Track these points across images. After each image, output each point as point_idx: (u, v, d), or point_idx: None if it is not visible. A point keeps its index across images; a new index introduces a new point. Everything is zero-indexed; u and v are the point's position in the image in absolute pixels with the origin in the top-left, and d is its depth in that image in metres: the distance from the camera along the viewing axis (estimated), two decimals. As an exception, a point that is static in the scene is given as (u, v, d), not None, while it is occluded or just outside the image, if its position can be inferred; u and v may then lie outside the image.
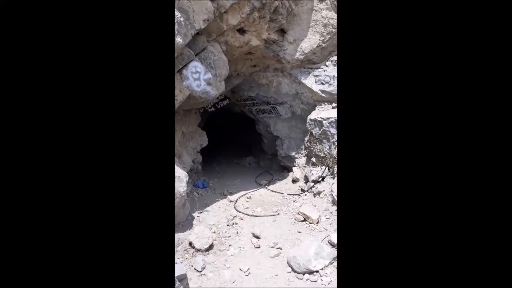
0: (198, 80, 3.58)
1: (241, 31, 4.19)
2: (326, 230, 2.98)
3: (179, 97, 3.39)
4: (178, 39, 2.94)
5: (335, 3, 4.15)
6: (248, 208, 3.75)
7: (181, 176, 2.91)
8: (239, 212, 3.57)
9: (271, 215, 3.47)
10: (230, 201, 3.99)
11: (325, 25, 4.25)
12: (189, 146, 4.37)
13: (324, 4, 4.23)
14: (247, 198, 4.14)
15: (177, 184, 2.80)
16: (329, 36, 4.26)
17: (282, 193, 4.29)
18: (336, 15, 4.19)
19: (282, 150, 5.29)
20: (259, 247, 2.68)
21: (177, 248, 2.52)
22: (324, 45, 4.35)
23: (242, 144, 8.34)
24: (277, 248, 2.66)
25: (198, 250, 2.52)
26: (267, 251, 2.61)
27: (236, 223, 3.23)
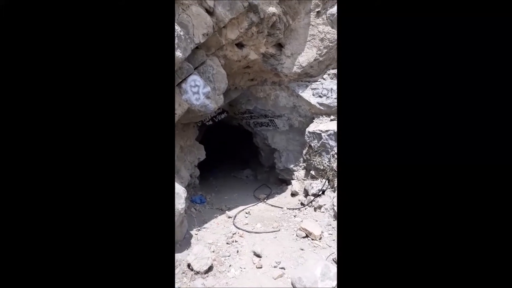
0: (197, 93, 3.54)
1: (240, 45, 4.21)
2: (330, 246, 2.87)
3: (178, 110, 3.32)
4: (178, 53, 2.91)
5: (331, 18, 4.23)
6: (247, 224, 3.62)
7: (179, 192, 2.79)
8: (239, 228, 3.43)
9: (271, 232, 3.34)
10: (229, 217, 3.86)
11: (322, 40, 4.30)
12: (187, 161, 4.26)
13: (320, 19, 4.30)
14: (246, 213, 4.01)
15: (175, 201, 2.67)
16: (326, 50, 4.30)
17: (281, 208, 4.18)
18: (332, 29, 4.25)
19: (280, 163, 5.21)
20: (261, 267, 2.54)
21: (175, 271, 2.37)
22: (321, 58, 4.39)
23: (239, 157, 8.25)
24: (280, 267, 2.53)
25: (197, 273, 2.37)
26: (270, 272, 2.47)
27: (235, 241, 3.09)
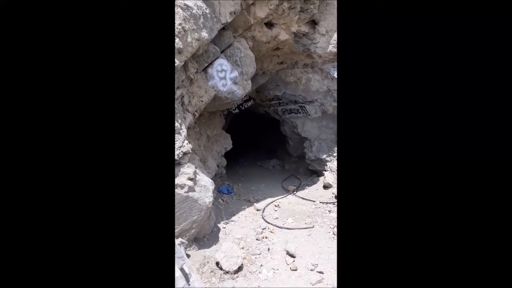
0: (224, 79, 3.26)
1: (269, 24, 3.81)
2: (372, 249, 2.53)
3: (205, 98, 3.09)
4: (204, 34, 2.63)
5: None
6: (277, 218, 3.37)
7: (206, 184, 2.59)
8: (269, 223, 3.20)
9: (305, 228, 3.06)
10: (257, 210, 3.64)
11: (363, 14, 3.74)
12: (214, 150, 4.08)
13: (361, -10, 3.73)
14: (275, 206, 3.76)
15: (202, 194, 2.48)
16: (367, 26, 3.75)
17: (314, 201, 3.86)
18: None
19: (311, 152, 4.84)
20: (296, 270, 2.29)
21: (203, 269, 2.21)
22: (361, 36, 3.85)
23: (265, 146, 7.98)
24: (317, 271, 2.25)
25: (227, 272, 2.18)
26: (307, 276, 2.21)
27: (266, 237, 2.86)
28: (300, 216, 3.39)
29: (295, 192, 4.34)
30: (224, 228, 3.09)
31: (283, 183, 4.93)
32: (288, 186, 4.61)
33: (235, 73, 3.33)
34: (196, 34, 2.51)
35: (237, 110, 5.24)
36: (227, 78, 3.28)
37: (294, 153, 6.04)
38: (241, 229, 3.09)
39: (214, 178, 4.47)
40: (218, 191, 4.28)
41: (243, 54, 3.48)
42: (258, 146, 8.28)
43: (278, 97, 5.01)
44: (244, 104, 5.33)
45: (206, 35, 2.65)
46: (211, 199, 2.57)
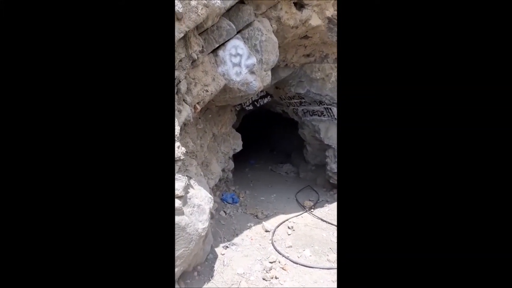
0: (238, 66, 2.54)
1: (299, 5, 3.04)
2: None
3: (211, 87, 2.37)
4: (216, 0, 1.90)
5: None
6: (291, 247, 2.62)
7: (202, 204, 1.89)
8: (280, 254, 2.46)
9: (328, 268, 2.30)
10: (266, 231, 2.91)
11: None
12: (220, 152, 3.37)
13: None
14: (289, 228, 3.02)
15: (194, 218, 1.78)
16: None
17: (336, 226, 3.08)
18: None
19: (335, 163, 4.04)
20: None
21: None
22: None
23: (280, 148, 7.21)
24: None
25: None
26: None
27: (276, 277, 2.13)
28: (321, 248, 2.62)
29: (312, 210, 3.57)
30: (223, 255, 2.39)
31: (298, 195, 4.17)
32: (304, 201, 3.85)
33: (253, 60, 2.59)
34: (204, -3, 1.79)
35: (251, 107, 4.51)
36: (242, 65, 2.55)
37: (311, 161, 5.26)
38: (244, 258, 2.37)
39: (218, 184, 3.79)
40: (221, 199, 3.58)
41: (264, 38, 2.74)
42: (272, 148, 7.52)
43: (300, 95, 4.23)
44: (260, 100, 4.59)
45: (219, 1, 1.92)
46: (206, 224, 1.86)
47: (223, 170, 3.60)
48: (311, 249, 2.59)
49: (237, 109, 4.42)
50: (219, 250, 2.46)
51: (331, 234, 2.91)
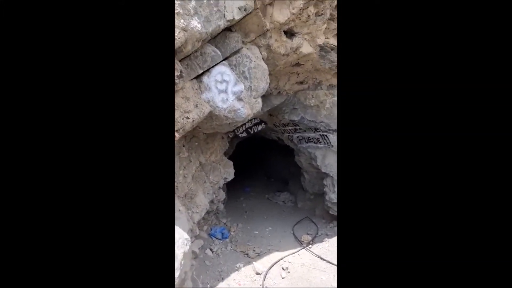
0: (224, 92, 2.41)
1: (290, 33, 3.01)
2: None
3: (193, 114, 2.21)
4: (195, 23, 1.81)
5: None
6: (284, 295, 2.24)
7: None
8: (270, 305, 2.08)
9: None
10: (257, 274, 2.54)
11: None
12: (208, 182, 3.12)
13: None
14: (283, 269, 2.65)
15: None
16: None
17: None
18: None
19: (333, 193, 3.75)
20: None
21: None
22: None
23: (277, 176, 6.93)
24: None
25: None
26: None
27: (263, 338, 1.74)
28: (318, 295, 2.25)
29: (310, 246, 3.20)
30: (203, 307, 2.02)
31: (295, 228, 3.82)
32: (302, 236, 3.49)
33: (240, 87, 2.46)
34: (183, 21, 1.69)
35: (245, 134, 4.35)
36: (229, 92, 2.41)
37: (310, 189, 4.95)
38: (227, 311, 2.00)
39: (206, 217, 3.47)
40: (209, 235, 3.24)
41: (253, 65, 2.65)
42: (269, 175, 7.24)
43: (295, 122, 4.09)
44: (253, 127, 4.44)
45: (199, 25, 1.83)
46: (177, 274, 1.55)
47: (211, 202, 3.31)
48: (307, 298, 2.21)
49: (230, 136, 4.26)
50: (199, 300, 2.09)
51: (332, 278, 2.53)
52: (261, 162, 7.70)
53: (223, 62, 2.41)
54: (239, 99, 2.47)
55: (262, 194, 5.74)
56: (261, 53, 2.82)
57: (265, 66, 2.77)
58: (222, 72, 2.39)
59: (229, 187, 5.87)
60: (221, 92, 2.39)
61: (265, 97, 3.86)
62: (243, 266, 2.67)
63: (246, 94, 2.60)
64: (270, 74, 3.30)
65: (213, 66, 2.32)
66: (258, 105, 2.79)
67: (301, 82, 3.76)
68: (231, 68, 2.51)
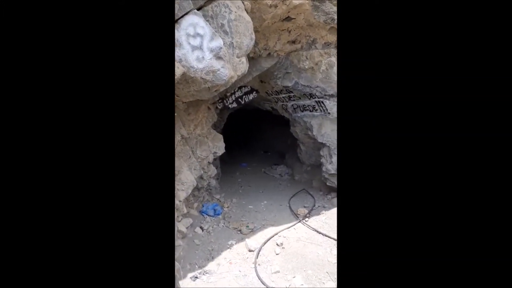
0: (199, 49, 2.00)
1: (276, -23, 2.51)
2: None
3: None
4: None
5: None
6: (278, 272, 2.06)
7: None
8: (264, 284, 1.90)
9: (322, 302, 1.74)
10: (250, 251, 2.35)
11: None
12: (194, 157, 2.82)
13: None
14: (277, 245, 2.46)
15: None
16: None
17: (335, 240, 2.52)
18: None
19: (330, 164, 3.48)
20: None
21: None
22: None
23: (275, 149, 6.66)
24: None
25: None
26: None
27: (254, 321, 1.57)
28: (315, 272, 2.06)
29: (306, 219, 3.01)
30: (189, 290, 1.83)
31: (291, 201, 3.62)
32: (298, 209, 3.29)
33: (218, 42, 2.05)
34: None
35: (235, 104, 3.98)
36: (205, 49, 2.01)
37: (306, 161, 4.70)
38: (216, 293, 1.82)
39: (196, 194, 3.24)
40: (200, 213, 3.03)
41: (233, 16, 2.21)
42: (266, 149, 6.97)
43: (288, 88, 3.69)
44: (244, 96, 4.05)
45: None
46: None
47: (200, 178, 3.05)
48: (303, 274, 2.03)
49: (219, 107, 3.89)
50: (185, 282, 1.90)
51: (329, 252, 2.34)
52: (257, 135, 7.39)
53: (195, 11, 1.98)
54: (218, 57, 2.08)
55: (259, 168, 5.51)
56: (243, 3, 2.36)
57: (248, 18, 2.33)
58: (195, 23, 1.96)
59: (225, 164, 5.65)
60: (195, 49, 1.98)
61: (254, 60, 3.42)
62: (236, 243, 2.48)
63: (227, 52, 2.20)
64: (257, 31, 2.84)
65: (182, 16, 1.90)
66: (242, 65, 2.39)
67: (293, 42, 3.29)
68: (207, 21, 2.07)
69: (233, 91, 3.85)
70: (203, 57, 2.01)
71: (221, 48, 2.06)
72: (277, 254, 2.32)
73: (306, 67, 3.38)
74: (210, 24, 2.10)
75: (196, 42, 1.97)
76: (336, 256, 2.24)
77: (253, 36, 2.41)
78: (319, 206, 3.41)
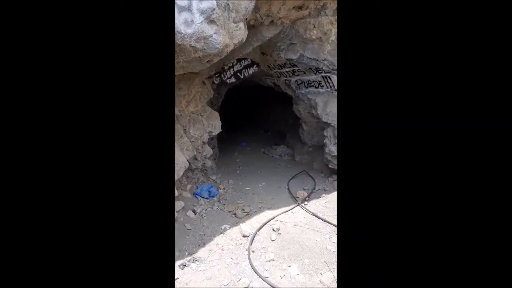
0: (187, 10, 1.68)
1: None
2: None
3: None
4: None
5: None
6: (273, 260, 1.95)
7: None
8: (257, 274, 1.79)
9: (319, 293, 1.63)
10: (244, 236, 2.23)
11: None
12: (186, 137, 2.61)
13: None
14: (273, 230, 2.34)
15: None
16: None
17: (335, 226, 2.39)
18: None
19: (334, 145, 3.27)
20: None
21: None
22: None
23: (275, 128, 6.42)
24: None
25: None
26: None
27: (245, 315, 1.47)
28: (312, 261, 1.94)
29: (306, 203, 2.87)
30: (177, 279, 1.72)
31: (290, 183, 3.47)
32: (297, 191, 3.15)
33: (211, 3, 1.72)
34: None
35: (233, 79, 3.67)
36: (194, 10, 1.69)
37: (308, 142, 4.49)
38: (205, 283, 1.71)
39: (190, 175, 3.08)
40: (194, 194, 2.90)
41: (230, -30, 1.84)
42: (266, 128, 6.73)
43: (293, 62, 3.35)
44: (243, 70, 3.72)
45: None
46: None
47: (194, 159, 2.87)
48: (299, 263, 1.91)
49: (216, 82, 3.59)
50: (175, 271, 1.78)
51: (328, 239, 2.22)
52: (258, 113, 7.11)
53: (181, -40, 1.63)
54: (210, 20, 1.76)
55: (258, 148, 5.33)
56: (241, -46, 1.97)
57: (247, -26, 1.96)
58: (181, -24, 1.62)
59: (223, 142, 5.45)
60: (182, 10, 1.67)
61: (254, 28, 3.05)
62: (229, 228, 2.36)
63: (222, 15, 1.87)
64: (258, -7, 2.46)
65: (164, -34, 1.56)
66: (240, 32, 2.07)
67: (300, 7, 2.89)
68: (196, -26, 1.72)
69: (231, 64, 3.51)
70: (192, 21, 1.70)
71: (213, 9, 1.74)
72: (272, 240, 2.20)
73: (314, 37, 3.01)
74: (200, -21, 1.76)
75: (183, 1, 1.65)
76: (335, 243, 2.12)
77: (253, -3, 2.05)
78: (319, 189, 3.26)
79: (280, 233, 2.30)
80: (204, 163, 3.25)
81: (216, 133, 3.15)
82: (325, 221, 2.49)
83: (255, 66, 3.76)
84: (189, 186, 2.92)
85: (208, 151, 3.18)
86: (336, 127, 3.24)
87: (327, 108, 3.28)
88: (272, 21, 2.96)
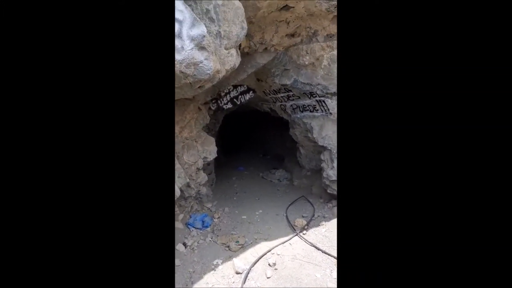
0: (177, 37, 1.69)
1: (272, -41, 2.20)
2: None
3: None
4: None
5: None
6: (269, 302, 1.73)
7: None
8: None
9: None
10: (237, 273, 2.02)
11: None
12: (179, 163, 2.51)
13: None
14: (269, 265, 2.13)
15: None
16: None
17: (336, 258, 2.19)
18: None
19: (332, 170, 3.15)
20: None
21: None
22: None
23: (273, 152, 6.33)
24: None
25: None
26: None
27: None
28: (312, 302, 1.72)
29: (304, 232, 2.68)
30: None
31: (289, 210, 3.29)
32: (295, 219, 2.96)
33: (201, 29, 1.73)
34: None
35: (230, 105, 3.67)
36: (184, 37, 1.69)
37: (306, 165, 4.37)
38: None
39: (182, 204, 2.92)
40: (186, 224, 2.71)
41: (220, 2, 1.89)
42: (265, 152, 6.65)
43: (287, 87, 3.37)
44: (240, 96, 3.74)
45: None
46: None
47: (187, 186, 2.73)
48: (298, 306, 1.69)
49: (212, 108, 3.58)
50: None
51: (328, 274, 2.00)
52: (255, 137, 7.07)
53: (172, -8, 1.66)
54: (201, 47, 1.76)
55: (256, 172, 5.19)
56: (233, -13, 2.04)
57: (239, 4, 2.01)
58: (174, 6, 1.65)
59: (221, 167, 5.33)
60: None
61: (249, 55, 3.11)
62: (222, 263, 2.16)
63: (213, 42, 1.88)
64: (251, 22, 2.53)
65: (155, -3, 1.59)
66: (231, 58, 2.08)
67: (292, 35, 2.97)
68: (189, 5, 1.76)
69: (227, 91, 3.54)
70: (182, 47, 1.69)
71: (204, 36, 1.75)
72: (268, 277, 1.99)
73: (306, 62, 3.05)
74: (193, 10, 1.79)
75: (174, 27, 1.66)
76: (336, 279, 1.90)
77: (245, 25, 2.09)
78: (318, 216, 3.07)
79: (276, 269, 2.09)
80: (199, 190, 3.11)
81: (212, 159, 3.05)
82: (325, 253, 2.29)
83: (251, 92, 3.78)
84: (181, 216, 2.75)
85: (203, 177, 3.05)
86: (332, 150, 3.15)
87: (323, 131, 3.22)
88: (266, 48, 3.02)
